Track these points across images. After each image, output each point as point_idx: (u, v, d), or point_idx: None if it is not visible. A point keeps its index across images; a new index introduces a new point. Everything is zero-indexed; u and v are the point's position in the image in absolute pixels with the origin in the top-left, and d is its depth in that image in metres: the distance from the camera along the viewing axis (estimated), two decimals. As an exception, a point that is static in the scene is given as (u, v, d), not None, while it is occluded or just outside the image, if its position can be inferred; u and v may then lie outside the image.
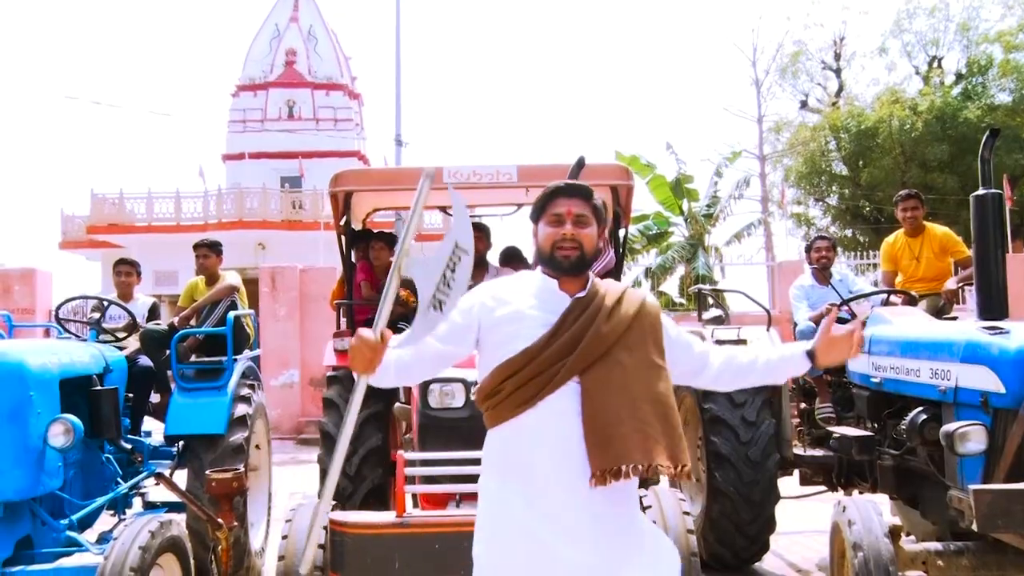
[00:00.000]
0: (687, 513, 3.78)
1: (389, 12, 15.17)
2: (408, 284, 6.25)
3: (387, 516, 3.45)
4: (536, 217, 2.48)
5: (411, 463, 3.67)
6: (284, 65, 28.19)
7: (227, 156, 27.77)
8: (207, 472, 4.01)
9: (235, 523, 3.88)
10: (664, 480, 6.00)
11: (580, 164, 4.78)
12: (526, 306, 2.39)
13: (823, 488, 5.68)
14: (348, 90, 29.26)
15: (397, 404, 5.15)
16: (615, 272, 6.10)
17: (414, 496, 4.14)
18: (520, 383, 2.30)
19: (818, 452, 5.46)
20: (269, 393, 14.16)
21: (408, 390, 4.84)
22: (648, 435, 2.28)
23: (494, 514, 2.35)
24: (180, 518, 4.90)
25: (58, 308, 6.03)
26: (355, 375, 2.30)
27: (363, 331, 2.23)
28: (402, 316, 6.04)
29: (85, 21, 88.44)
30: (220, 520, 3.78)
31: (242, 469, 4.01)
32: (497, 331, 2.38)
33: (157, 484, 6.20)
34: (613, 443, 2.24)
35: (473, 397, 2.59)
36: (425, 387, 4.11)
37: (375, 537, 3.30)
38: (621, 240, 5.98)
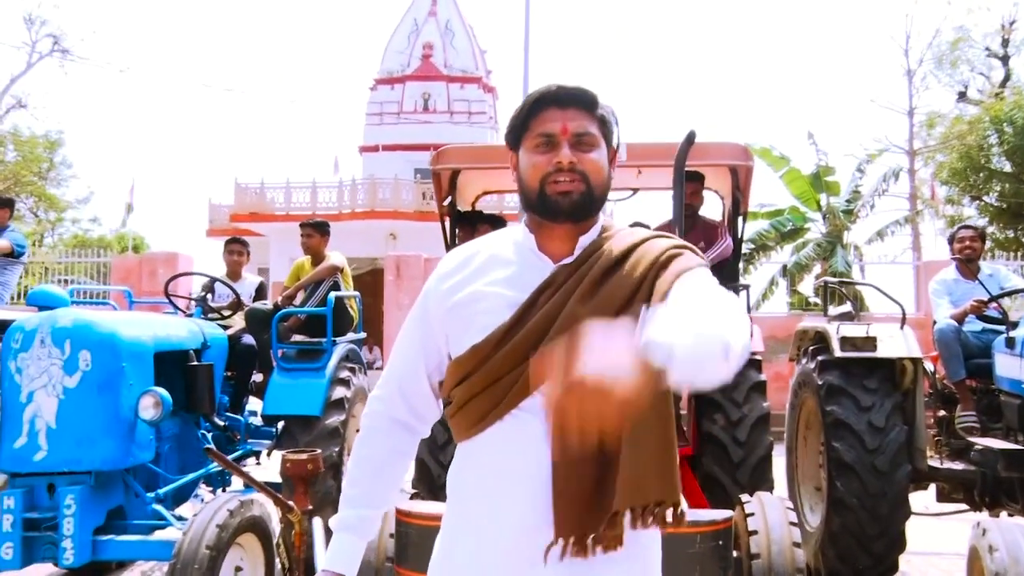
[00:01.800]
0: (794, 524, 3.38)
1: (523, 4, 15.13)
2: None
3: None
4: (515, 141, 1.68)
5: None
6: (421, 59, 28.62)
7: (364, 148, 28.44)
8: (283, 453, 3.89)
9: (310, 507, 3.72)
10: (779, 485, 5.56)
11: (690, 140, 4.37)
12: (488, 279, 1.62)
13: (964, 506, 5.08)
14: (483, 83, 29.42)
15: None
16: (732, 263, 5.65)
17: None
18: (472, 393, 1.59)
19: (957, 465, 4.86)
20: (391, 381, 14.37)
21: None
22: (634, 472, 1.48)
23: (446, 552, 1.68)
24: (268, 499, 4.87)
25: (167, 284, 6.12)
26: None
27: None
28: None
29: (236, 16, 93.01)
30: (292, 503, 3.64)
31: (319, 452, 3.86)
32: (453, 322, 1.64)
33: (258, 463, 6.26)
34: (589, 497, 1.50)
35: None
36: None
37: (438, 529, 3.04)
38: (740, 227, 5.54)
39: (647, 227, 5.86)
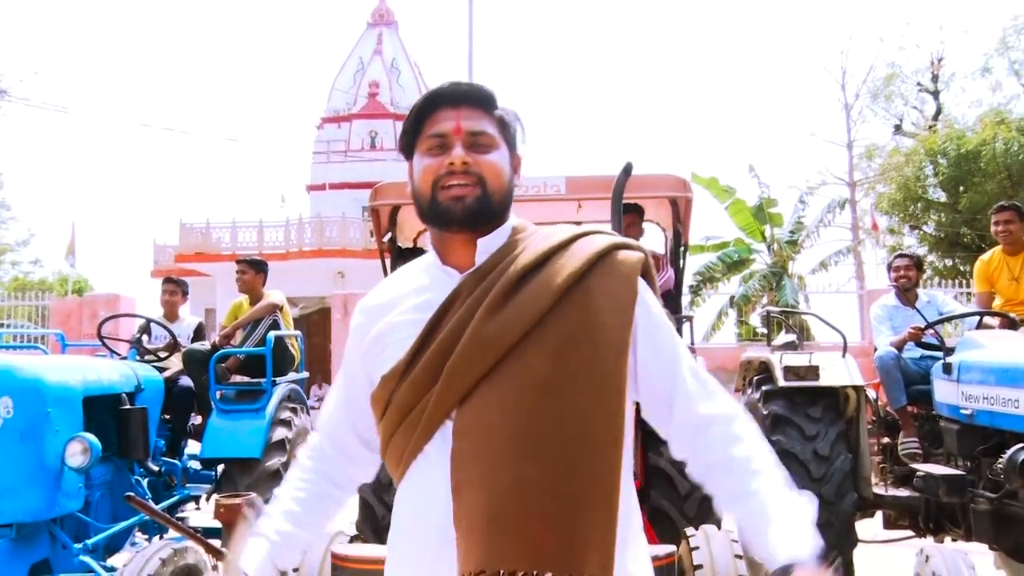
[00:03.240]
0: (739, 557, 3.33)
1: (467, 42, 15.27)
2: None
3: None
4: (408, 148, 1.54)
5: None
6: (367, 97, 28.64)
7: (311, 187, 28.27)
8: (216, 497, 3.75)
9: (245, 553, 3.58)
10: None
11: (627, 172, 4.36)
12: (401, 307, 1.50)
13: (911, 533, 5.10)
14: (430, 121, 29.52)
15: None
16: (675, 295, 5.65)
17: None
18: (389, 431, 1.47)
19: (902, 492, 4.88)
20: (340, 421, 14.17)
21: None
22: (538, 521, 1.31)
23: None
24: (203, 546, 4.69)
25: (100, 326, 5.94)
26: None
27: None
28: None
29: (175, 56, 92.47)
30: (225, 550, 3.49)
31: (254, 495, 3.71)
32: (370, 359, 1.53)
33: (197, 508, 6.06)
34: (489, 533, 1.31)
35: None
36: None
37: (374, 573, 2.95)
38: (682, 258, 5.55)
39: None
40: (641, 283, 1.47)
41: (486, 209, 1.46)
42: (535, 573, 1.29)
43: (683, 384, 1.49)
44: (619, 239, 1.50)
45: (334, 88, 29.66)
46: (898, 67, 24.84)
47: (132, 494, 3.68)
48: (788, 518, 1.40)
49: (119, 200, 72.52)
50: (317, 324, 20.02)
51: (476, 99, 1.50)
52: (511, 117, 1.54)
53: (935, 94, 24.94)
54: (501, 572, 1.29)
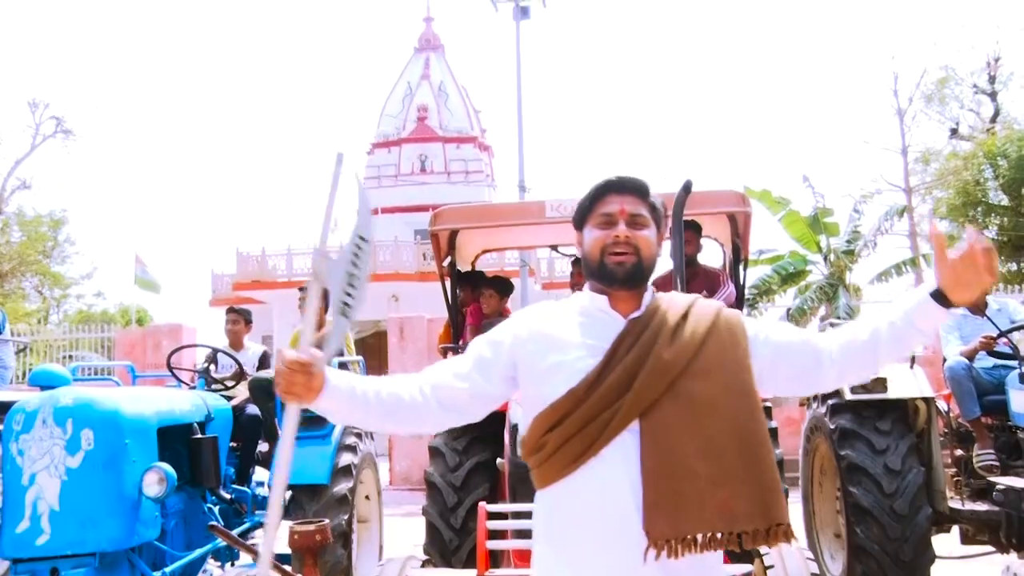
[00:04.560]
0: (816, 575, 3.29)
1: (515, 63, 15.45)
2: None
3: (468, 573, 3.14)
4: (581, 221, 2.05)
5: (493, 516, 3.34)
6: (416, 121, 28.98)
7: (363, 212, 28.63)
8: (290, 524, 3.81)
9: (320, 579, 3.63)
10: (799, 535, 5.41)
11: (687, 189, 4.36)
12: (569, 334, 1.96)
13: (991, 548, 4.96)
14: (478, 142, 29.74)
15: (499, 459, 4.82)
16: (736, 309, 5.59)
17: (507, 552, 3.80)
18: (567, 435, 1.86)
19: (980, 506, 4.75)
20: (400, 444, 14.24)
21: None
22: (731, 491, 1.80)
23: None
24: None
25: (169, 357, 6.08)
26: (287, 404, 1.95)
27: (286, 350, 1.87)
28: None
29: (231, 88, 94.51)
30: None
31: (327, 522, 3.77)
32: (535, 368, 1.95)
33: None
34: (683, 505, 1.78)
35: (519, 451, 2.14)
36: (515, 432, 3.78)
37: (450, 599, 2.98)
38: (742, 273, 5.50)
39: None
40: (744, 317, 2.04)
41: (639, 272, 1.97)
42: (711, 534, 1.78)
43: (805, 332, 2.06)
44: (720, 304, 2.04)
45: (383, 114, 30.10)
46: (952, 70, 24.41)
47: (214, 523, 3.77)
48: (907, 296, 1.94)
49: (177, 231, 74.22)
50: (373, 348, 20.19)
51: (636, 189, 2.01)
52: (659, 203, 2.04)
53: (992, 95, 24.42)
54: (687, 537, 1.76)
